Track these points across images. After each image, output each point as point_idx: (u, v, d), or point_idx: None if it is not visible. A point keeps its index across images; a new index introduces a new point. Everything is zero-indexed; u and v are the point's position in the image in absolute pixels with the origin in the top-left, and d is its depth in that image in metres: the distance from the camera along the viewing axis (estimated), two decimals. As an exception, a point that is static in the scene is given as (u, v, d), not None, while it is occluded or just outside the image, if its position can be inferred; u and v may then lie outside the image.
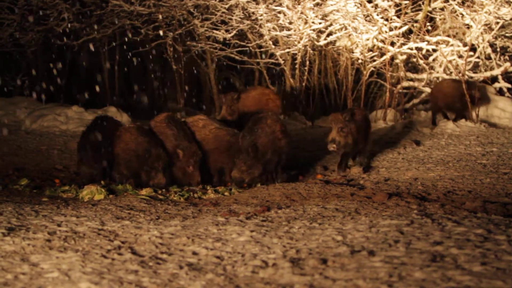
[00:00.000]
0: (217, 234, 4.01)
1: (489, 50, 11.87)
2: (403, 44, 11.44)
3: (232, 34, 12.06)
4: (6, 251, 3.62)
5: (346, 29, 11.50)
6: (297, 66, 12.01)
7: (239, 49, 12.62)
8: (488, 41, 11.59)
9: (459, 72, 11.28)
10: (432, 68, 12.08)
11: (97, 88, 12.78)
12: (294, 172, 7.43)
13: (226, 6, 11.58)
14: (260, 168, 6.82)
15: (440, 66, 11.94)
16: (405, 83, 12.12)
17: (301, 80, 12.28)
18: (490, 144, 8.40)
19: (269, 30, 11.56)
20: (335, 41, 12.05)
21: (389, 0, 11.10)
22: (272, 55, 12.64)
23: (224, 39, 12.29)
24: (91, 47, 12.90)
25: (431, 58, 11.99)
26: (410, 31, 11.72)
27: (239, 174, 6.78)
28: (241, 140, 6.94)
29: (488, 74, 11.64)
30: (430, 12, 11.60)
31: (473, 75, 11.69)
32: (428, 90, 12.04)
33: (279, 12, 11.38)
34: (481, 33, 11.21)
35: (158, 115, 7.33)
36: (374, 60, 11.77)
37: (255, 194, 5.88)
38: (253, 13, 11.51)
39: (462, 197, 5.41)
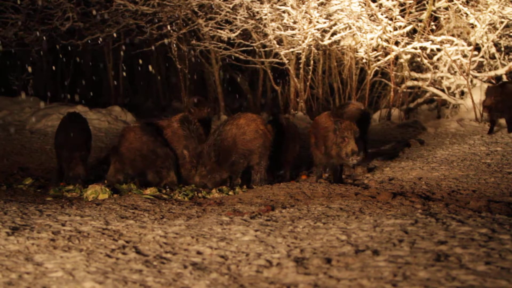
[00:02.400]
0: (222, 233, 4.00)
1: (493, 50, 11.85)
2: (408, 43, 11.43)
3: (236, 34, 12.06)
4: (10, 250, 3.63)
5: (350, 28, 11.49)
6: (301, 65, 12.00)
7: (244, 48, 12.62)
8: (493, 41, 11.57)
9: (464, 72, 11.26)
10: (436, 67, 12.07)
11: (101, 88, 12.84)
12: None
13: (231, 6, 11.58)
14: (223, 172, 6.42)
15: (445, 65, 11.93)
16: (410, 83, 12.11)
17: (305, 79, 12.28)
18: (494, 144, 8.37)
19: (273, 30, 11.55)
20: (339, 40, 12.05)
21: (393, 0, 11.10)
22: (276, 55, 12.64)
23: (229, 38, 12.29)
24: (96, 46, 12.93)
25: (435, 58, 11.97)
26: (414, 31, 11.71)
27: (200, 179, 6.43)
28: (205, 142, 6.55)
29: (492, 73, 11.61)
30: (435, 12, 11.58)
31: (477, 74, 11.67)
32: (432, 89, 12.03)
33: (284, 12, 11.38)
34: (486, 32, 11.19)
35: (175, 115, 7.22)
36: (379, 60, 11.76)
37: (259, 193, 5.88)
38: (257, 12, 11.50)
39: (467, 197, 5.40)
